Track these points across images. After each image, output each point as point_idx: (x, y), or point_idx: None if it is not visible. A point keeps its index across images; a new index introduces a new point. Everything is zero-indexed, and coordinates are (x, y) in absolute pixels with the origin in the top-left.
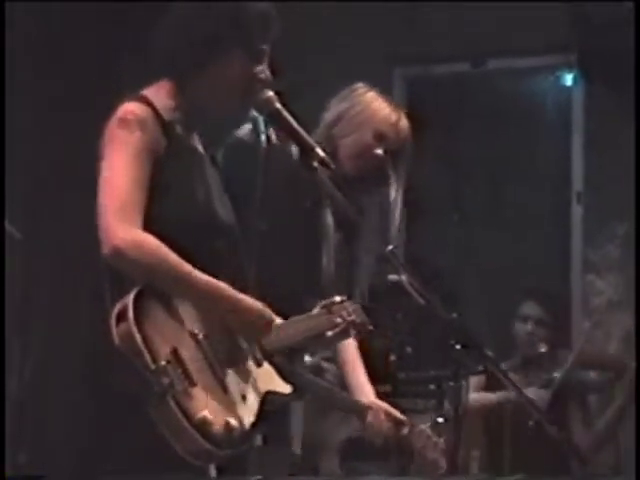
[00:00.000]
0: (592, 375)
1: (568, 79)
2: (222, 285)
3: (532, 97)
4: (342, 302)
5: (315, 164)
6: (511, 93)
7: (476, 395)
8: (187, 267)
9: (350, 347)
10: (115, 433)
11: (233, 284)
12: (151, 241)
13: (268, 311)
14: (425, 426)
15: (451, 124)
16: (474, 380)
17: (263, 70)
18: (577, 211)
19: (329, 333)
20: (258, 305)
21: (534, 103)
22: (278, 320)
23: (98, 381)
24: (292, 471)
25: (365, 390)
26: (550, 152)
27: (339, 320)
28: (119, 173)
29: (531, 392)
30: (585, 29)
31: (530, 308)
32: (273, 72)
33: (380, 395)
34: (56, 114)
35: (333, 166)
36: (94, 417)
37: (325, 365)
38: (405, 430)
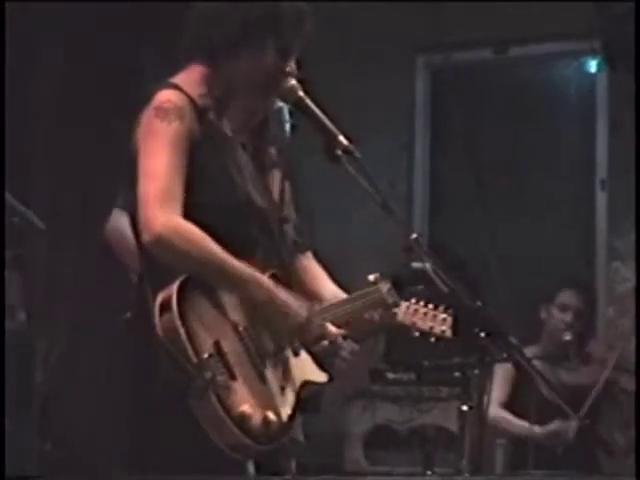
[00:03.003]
0: (628, 379)
1: (592, 66)
2: (260, 276)
3: (555, 84)
4: (376, 282)
5: (339, 152)
6: (534, 80)
7: (502, 414)
8: (227, 256)
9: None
10: (156, 428)
11: (267, 269)
12: (192, 229)
13: (303, 308)
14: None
15: (474, 111)
16: (502, 373)
17: (290, 64)
18: (601, 198)
19: (366, 316)
20: (295, 303)
21: (558, 90)
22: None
23: (140, 374)
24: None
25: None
26: (574, 139)
27: (374, 301)
28: (159, 162)
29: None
30: (609, 15)
31: (570, 297)
32: (298, 65)
33: (404, 382)
34: (82, 105)
35: (358, 155)
36: (134, 410)
37: (341, 341)
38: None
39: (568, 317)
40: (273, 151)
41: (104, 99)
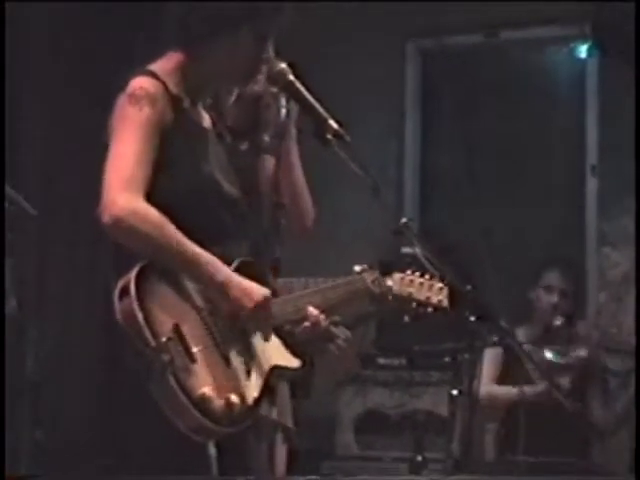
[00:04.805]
0: (614, 360)
1: (582, 50)
2: (217, 260)
3: (546, 69)
4: (362, 272)
5: (329, 136)
6: (524, 65)
7: (491, 388)
8: (185, 239)
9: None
10: (126, 412)
11: (240, 256)
12: (151, 212)
13: (260, 290)
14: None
15: (464, 96)
16: (491, 355)
17: (268, 52)
18: (592, 183)
19: (350, 306)
20: (254, 284)
21: (548, 75)
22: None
23: (112, 358)
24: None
25: None
26: (564, 124)
27: (358, 290)
28: (126, 147)
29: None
30: (599, 0)
31: (555, 279)
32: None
33: (395, 367)
34: (70, 91)
35: (348, 138)
36: (109, 395)
37: (334, 330)
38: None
39: (554, 298)
40: (266, 137)
41: (97, 85)
